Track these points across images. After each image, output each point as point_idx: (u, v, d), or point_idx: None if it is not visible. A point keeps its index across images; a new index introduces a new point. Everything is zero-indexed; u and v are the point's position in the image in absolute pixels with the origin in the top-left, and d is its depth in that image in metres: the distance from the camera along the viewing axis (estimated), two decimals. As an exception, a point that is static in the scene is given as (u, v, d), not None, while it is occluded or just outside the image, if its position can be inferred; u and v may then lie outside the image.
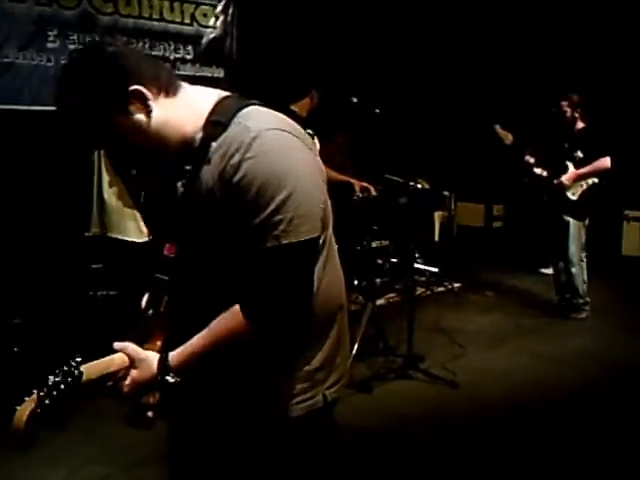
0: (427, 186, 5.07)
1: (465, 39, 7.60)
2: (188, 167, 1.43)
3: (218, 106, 1.43)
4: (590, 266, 5.66)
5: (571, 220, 5.46)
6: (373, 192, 4.87)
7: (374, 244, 5.14)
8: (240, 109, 1.40)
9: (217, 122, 1.39)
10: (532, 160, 5.64)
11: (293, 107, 4.43)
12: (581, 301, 5.60)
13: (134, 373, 1.42)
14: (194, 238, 1.45)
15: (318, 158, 1.46)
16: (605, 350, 4.83)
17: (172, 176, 1.49)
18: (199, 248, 1.45)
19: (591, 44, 7.13)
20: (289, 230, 1.31)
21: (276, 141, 1.33)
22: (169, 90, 1.43)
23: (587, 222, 5.53)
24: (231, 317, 1.38)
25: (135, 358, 1.42)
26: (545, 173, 5.60)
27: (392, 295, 5.94)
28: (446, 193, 6.70)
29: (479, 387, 4.16)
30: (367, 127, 5.67)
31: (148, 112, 1.39)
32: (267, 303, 1.35)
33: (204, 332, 1.40)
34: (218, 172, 1.35)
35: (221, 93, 1.48)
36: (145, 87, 1.38)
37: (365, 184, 4.91)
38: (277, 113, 1.43)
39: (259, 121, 1.36)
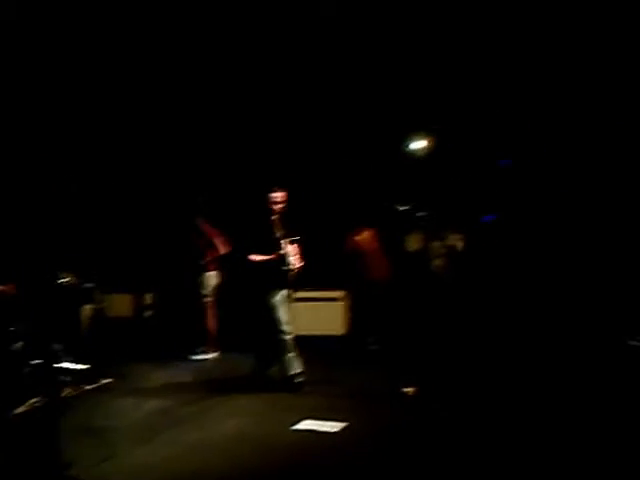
0: (72, 280, 4.93)
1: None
2: None
3: None
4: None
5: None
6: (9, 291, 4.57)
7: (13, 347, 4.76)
8: None
9: None
10: (258, 258, 5.95)
11: None
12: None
13: None
14: None
15: None
16: (256, 431, 5.05)
17: None
18: None
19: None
20: None
21: None
22: None
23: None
24: None
25: None
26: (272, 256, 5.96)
27: (36, 400, 5.50)
28: (90, 285, 6.53)
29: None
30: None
31: None
32: None
33: None
34: None
35: None
36: None
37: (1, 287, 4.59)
38: None
39: None
